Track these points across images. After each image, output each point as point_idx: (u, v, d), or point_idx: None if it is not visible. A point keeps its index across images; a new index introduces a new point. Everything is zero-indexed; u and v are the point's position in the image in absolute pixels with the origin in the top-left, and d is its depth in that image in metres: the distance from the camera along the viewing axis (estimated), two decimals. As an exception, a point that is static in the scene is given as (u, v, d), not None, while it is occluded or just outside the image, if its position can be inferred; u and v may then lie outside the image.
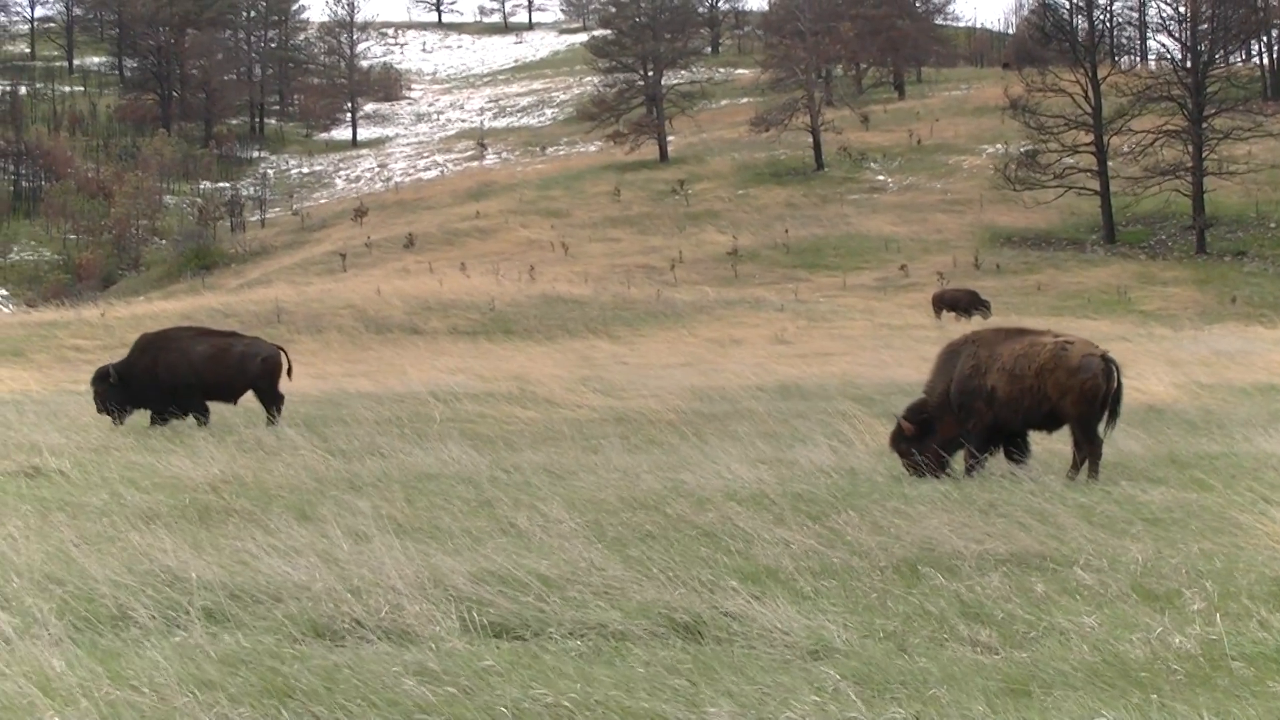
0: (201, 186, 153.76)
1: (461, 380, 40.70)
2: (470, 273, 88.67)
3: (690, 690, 8.52)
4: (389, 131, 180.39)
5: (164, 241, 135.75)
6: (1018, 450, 20.00)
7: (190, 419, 28.78)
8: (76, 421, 28.77)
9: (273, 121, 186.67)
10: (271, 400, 29.18)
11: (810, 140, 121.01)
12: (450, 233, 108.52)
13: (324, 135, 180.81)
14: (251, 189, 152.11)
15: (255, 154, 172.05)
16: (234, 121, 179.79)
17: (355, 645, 9.79)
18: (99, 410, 29.20)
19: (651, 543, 13.58)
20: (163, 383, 28.66)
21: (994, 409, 19.62)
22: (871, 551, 13.16)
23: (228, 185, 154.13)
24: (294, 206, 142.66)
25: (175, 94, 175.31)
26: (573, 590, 11.30)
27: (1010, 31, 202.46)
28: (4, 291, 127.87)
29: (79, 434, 26.25)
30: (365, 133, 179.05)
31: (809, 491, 16.97)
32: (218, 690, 8.26)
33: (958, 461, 19.70)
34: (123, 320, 69.14)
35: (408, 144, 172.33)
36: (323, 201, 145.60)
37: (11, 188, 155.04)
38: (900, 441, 19.97)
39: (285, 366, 29.48)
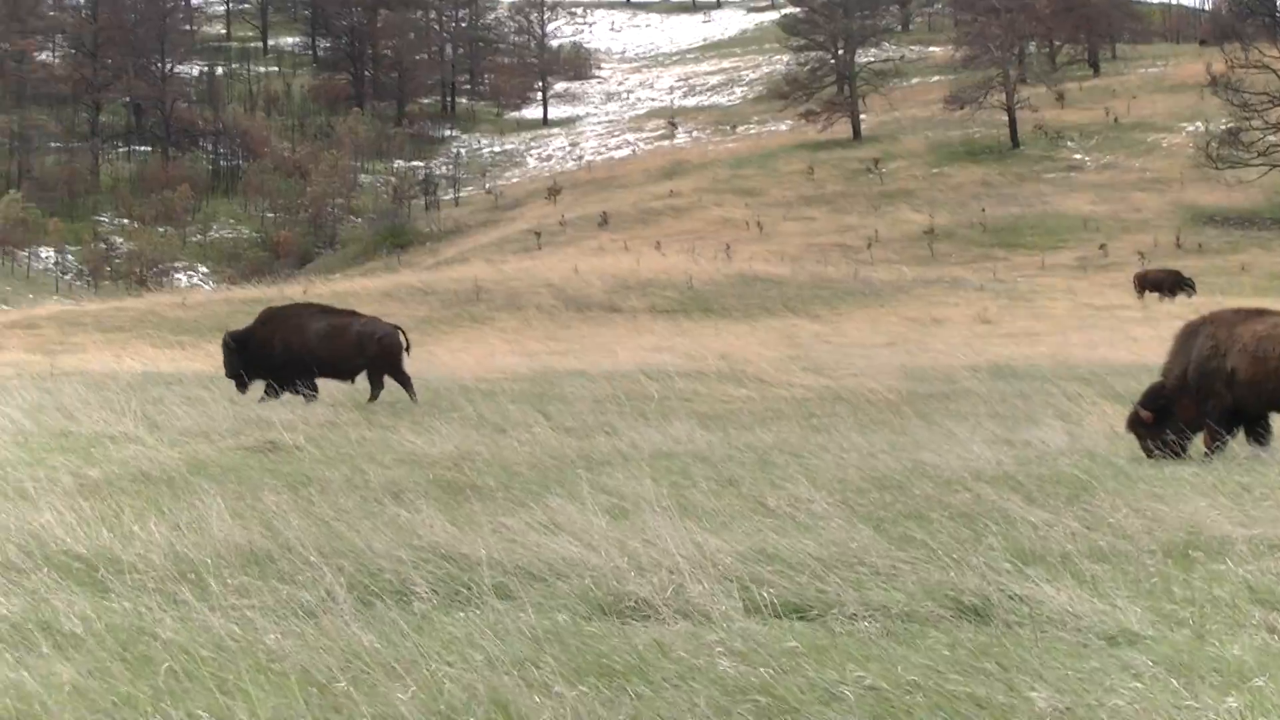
0: (395, 165, 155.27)
1: (668, 359, 40.76)
2: (666, 251, 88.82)
3: (1002, 674, 8.38)
4: (579, 110, 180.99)
5: (359, 220, 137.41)
6: (1261, 431, 19.58)
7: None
8: (298, 397, 29.10)
9: (464, 101, 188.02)
10: (399, 379, 29.35)
11: (1005, 118, 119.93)
12: (644, 211, 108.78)
13: (515, 114, 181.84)
14: (444, 168, 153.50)
15: (447, 133, 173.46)
16: (426, 101, 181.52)
17: (645, 624, 9.73)
18: (226, 374, 29.70)
19: (909, 523, 13.43)
20: (276, 356, 29.01)
21: (1234, 391, 19.20)
22: (1136, 535, 12.88)
23: (421, 164, 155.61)
24: (487, 185, 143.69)
25: (368, 74, 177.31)
26: (847, 570, 11.18)
27: (1207, 7, 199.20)
28: (204, 269, 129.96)
29: (304, 409, 26.54)
30: (556, 112, 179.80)
31: (1054, 473, 16.70)
32: (538, 668, 8.23)
33: (1195, 444, 19.33)
34: (324, 298, 69.65)
35: (598, 123, 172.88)
36: (515, 180, 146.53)
37: (210, 167, 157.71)
38: (1138, 424, 19.60)
39: (404, 346, 29.63)
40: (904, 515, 13.96)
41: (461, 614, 10.02)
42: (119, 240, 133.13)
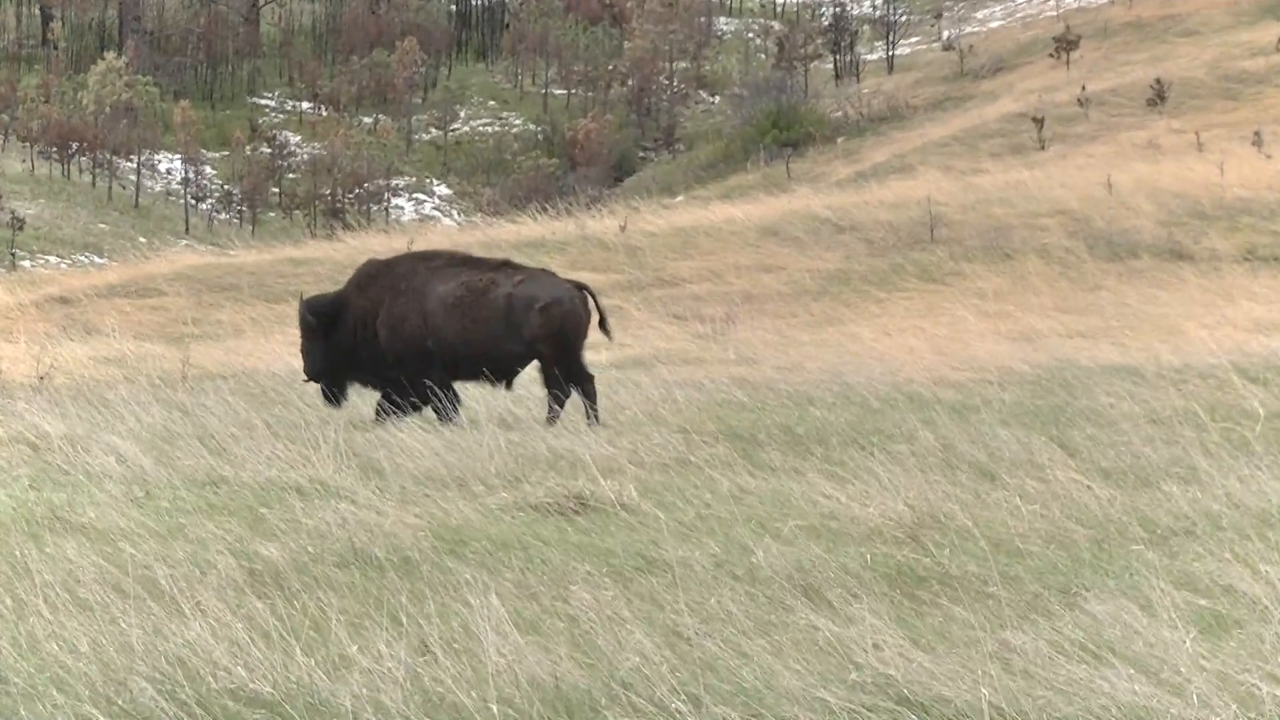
0: (779, 3, 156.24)
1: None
2: (1272, 150, 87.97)
3: None
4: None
5: (715, 99, 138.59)
6: None
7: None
8: (617, 409, 29.33)
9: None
10: (567, 373, 29.11)
11: None
12: (1228, 79, 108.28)
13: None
14: (868, 6, 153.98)
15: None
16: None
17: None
18: (305, 372, 30.38)
19: None
20: (382, 340, 28.96)
21: None
22: None
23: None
24: (944, 34, 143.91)
25: None
26: None
27: None
28: (444, 188, 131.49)
29: (626, 433, 26.61)
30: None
31: None
32: None
33: None
34: (656, 238, 70.63)
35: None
36: (995, 25, 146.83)
37: (453, 6, 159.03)
38: None
39: (591, 318, 29.35)
40: None
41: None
42: (293, 140, 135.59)
